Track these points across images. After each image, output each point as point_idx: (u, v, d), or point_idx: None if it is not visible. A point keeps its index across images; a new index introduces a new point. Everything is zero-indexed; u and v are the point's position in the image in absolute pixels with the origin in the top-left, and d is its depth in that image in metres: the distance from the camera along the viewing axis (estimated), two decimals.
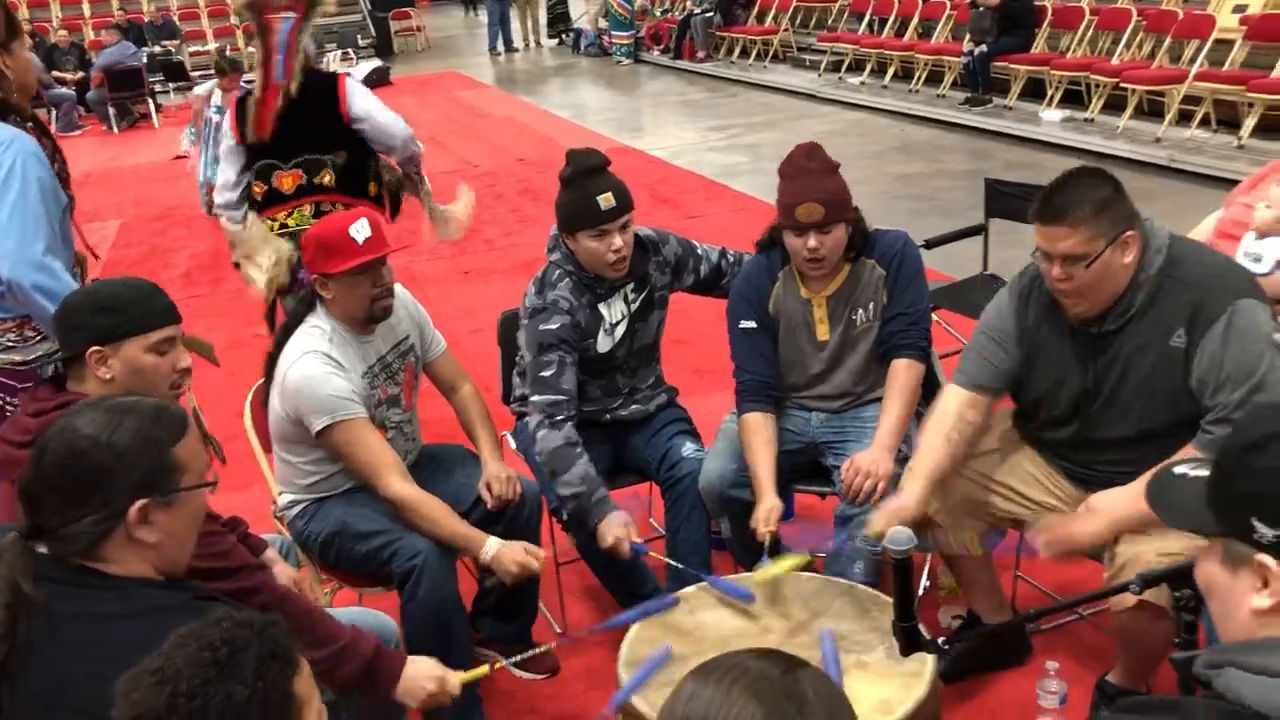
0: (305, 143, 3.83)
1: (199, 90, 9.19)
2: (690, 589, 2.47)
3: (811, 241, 2.77)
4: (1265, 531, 1.14)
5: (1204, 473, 1.24)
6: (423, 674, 2.13)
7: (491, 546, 2.63)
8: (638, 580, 3.02)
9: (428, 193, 4.21)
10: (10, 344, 2.71)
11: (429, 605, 2.58)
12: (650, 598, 2.48)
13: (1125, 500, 2.39)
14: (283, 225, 3.87)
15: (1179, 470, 1.28)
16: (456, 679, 2.17)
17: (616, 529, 2.79)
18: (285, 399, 2.71)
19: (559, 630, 3.23)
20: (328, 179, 3.84)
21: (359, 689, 2.08)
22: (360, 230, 2.67)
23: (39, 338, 2.70)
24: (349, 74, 4.26)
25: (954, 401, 2.66)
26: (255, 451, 2.99)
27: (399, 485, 2.67)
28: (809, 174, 2.78)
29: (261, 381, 2.93)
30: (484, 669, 2.26)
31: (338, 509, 2.76)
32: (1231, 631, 1.19)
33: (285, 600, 2.08)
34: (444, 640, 2.62)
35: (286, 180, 3.85)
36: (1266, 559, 1.14)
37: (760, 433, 2.88)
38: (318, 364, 2.66)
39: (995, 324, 2.65)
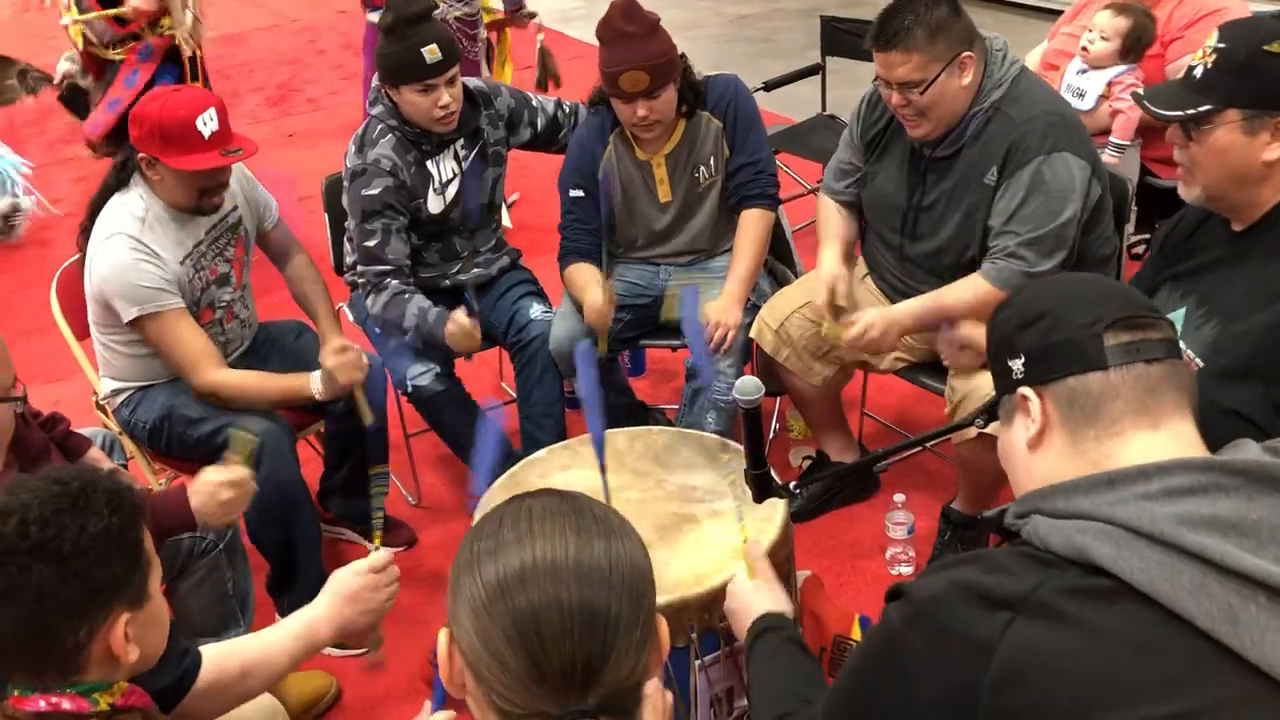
0: None
1: None
2: (541, 452, 2.43)
3: (640, 111, 2.66)
4: (1016, 365, 1.22)
5: None
6: (207, 487, 2.01)
7: (315, 377, 2.55)
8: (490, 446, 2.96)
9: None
10: None
11: (269, 491, 2.44)
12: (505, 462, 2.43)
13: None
14: None
15: None
16: (238, 469, 2.06)
17: (455, 324, 2.71)
18: (93, 283, 2.51)
19: (412, 502, 3.18)
20: None
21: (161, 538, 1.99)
22: (209, 123, 2.42)
23: None
24: None
25: (828, 204, 2.80)
26: (68, 339, 2.77)
27: (213, 375, 2.52)
28: (628, 39, 2.62)
29: (70, 261, 2.73)
30: (250, 439, 2.15)
31: (164, 395, 2.60)
32: (1021, 484, 1.25)
33: None
34: (288, 525, 2.55)
35: None
36: (1025, 390, 1.21)
37: (584, 270, 2.83)
38: (124, 249, 2.45)
39: (848, 132, 2.73)
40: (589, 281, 2.79)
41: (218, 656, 1.69)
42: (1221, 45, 1.76)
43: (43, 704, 1.24)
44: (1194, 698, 1.01)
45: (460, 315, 2.74)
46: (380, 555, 1.80)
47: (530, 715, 0.92)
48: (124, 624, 1.28)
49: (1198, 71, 1.78)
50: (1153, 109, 1.82)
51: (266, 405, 2.55)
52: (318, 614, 1.75)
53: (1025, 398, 1.22)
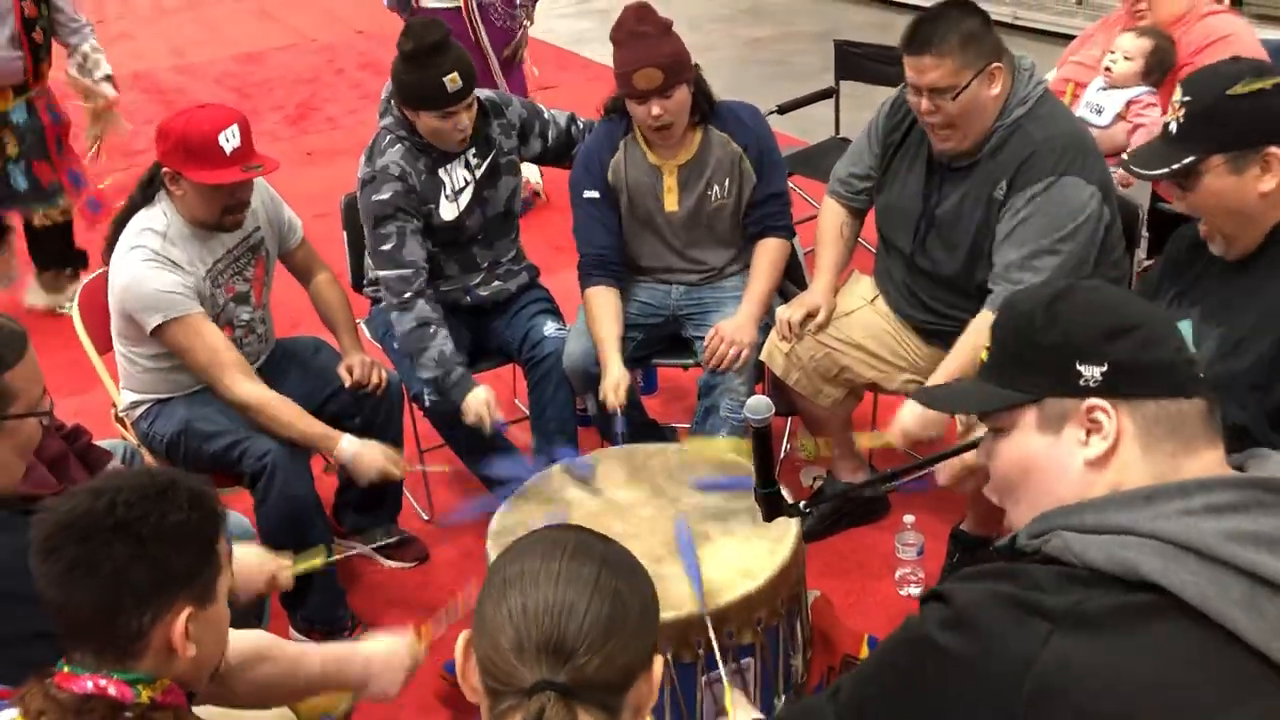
0: None
1: None
2: (557, 465, 2.46)
3: (655, 109, 2.70)
4: (1093, 372, 1.14)
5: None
6: (250, 569, 1.99)
7: (348, 446, 2.56)
8: (505, 465, 2.98)
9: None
10: None
11: (282, 505, 2.51)
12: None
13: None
14: None
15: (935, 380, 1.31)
16: (288, 572, 2.06)
17: (478, 406, 2.74)
18: (115, 296, 2.56)
19: (425, 518, 3.20)
20: None
21: None
22: (230, 139, 2.47)
23: None
24: None
25: (834, 210, 2.84)
26: (89, 352, 2.81)
27: (244, 387, 2.55)
28: (642, 38, 2.68)
29: (92, 276, 2.78)
30: (316, 560, 2.15)
31: (182, 408, 2.63)
32: (1053, 498, 1.18)
33: None
34: (299, 540, 2.54)
35: None
36: (1097, 400, 1.14)
37: (605, 305, 2.85)
38: (142, 261, 2.50)
39: (866, 137, 2.74)
40: (606, 343, 2.78)
41: (250, 639, 1.71)
42: (1188, 99, 1.81)
43: (90, 685, 1.27)
44: (1240, 713, 1.02)
45: (480, 404, 2.74)
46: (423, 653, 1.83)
47: (514, 691, 1.06)
48: (185, 618, 1.31)
49: (1172, 127, 1.83)
50: (1139, 171, 1.87)
51: (285, 438, 2.55)
52: (354, 658, 1.78)
53: (1096, 408, 1.15)
